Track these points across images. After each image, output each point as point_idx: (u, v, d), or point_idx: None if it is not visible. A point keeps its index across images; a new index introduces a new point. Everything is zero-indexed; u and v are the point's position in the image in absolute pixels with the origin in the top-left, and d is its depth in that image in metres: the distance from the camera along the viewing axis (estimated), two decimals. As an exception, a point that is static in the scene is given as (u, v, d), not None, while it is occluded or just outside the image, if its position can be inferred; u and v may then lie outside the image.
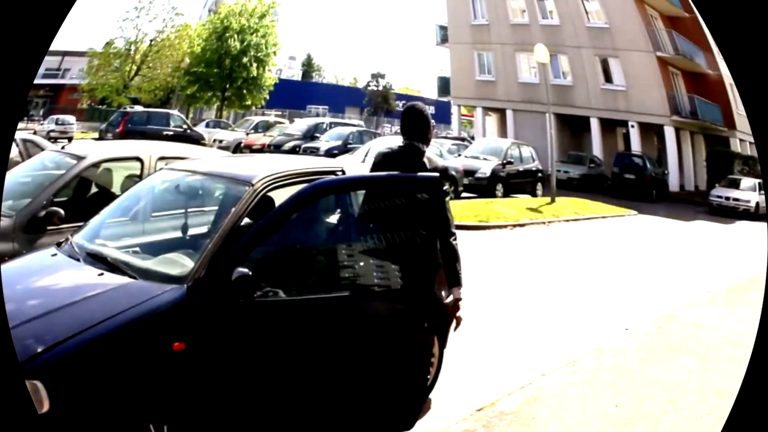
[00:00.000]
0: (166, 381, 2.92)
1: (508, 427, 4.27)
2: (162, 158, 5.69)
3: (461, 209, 14.09)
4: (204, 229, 3.65)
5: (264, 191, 3.60)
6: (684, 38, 30.94)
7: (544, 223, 15.23)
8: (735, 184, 25.65)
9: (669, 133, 30.26)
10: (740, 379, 5.19)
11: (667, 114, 29.74)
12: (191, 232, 3.95)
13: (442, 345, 4.89)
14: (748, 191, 24.85)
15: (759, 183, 25.49)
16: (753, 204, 24.15)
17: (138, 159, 5.64)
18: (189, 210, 4.27)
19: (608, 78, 31.32)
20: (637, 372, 5.44)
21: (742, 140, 33.90)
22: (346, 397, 3.95)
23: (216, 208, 3.85)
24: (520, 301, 7.89)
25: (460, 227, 12.91)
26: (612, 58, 30.95)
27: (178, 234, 4.01)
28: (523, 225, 14.38)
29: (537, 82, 30.00)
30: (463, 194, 17.99)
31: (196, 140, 21.00)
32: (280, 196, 3.96)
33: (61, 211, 4.67)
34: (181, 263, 3.34)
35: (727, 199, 24.46)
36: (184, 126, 23.34)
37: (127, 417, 2.78)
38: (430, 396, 4.73)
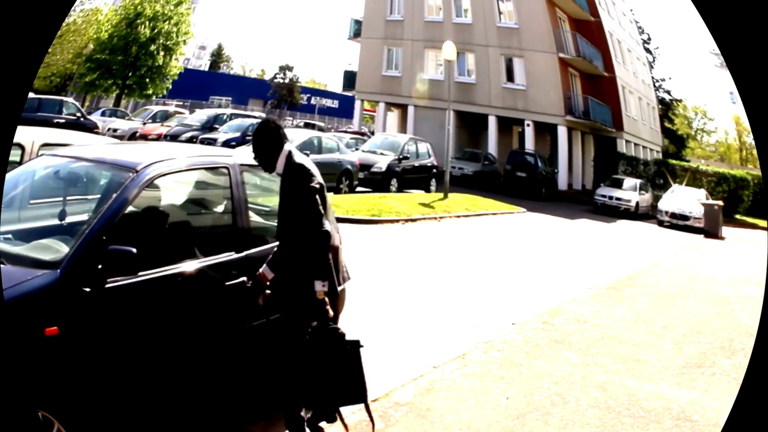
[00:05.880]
0: (39, 367, 2.86)
1: (405, 418, 4.39)
2: (46, 145, 5.55)
3: (354, 203, 14.25)
4: (84, 216, 3.58)
5: (149, 178, 3.59)
6: (586, 41, 32.23)
7: (435, 218, 15.50)
8: (618, 184, 26.64)
9: (561, 132, 31.14)
10: (619, 372, 5.59)
11: (561, 114, 30.70)
12: (71, 218, 3.86)
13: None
14: (629, 191, 25.86)
15: (640, 183, 26.90)
16: (633, 203, 25.21)
17: (19, 145, 5.44)
18: (72, 197, 4.17)
19: (510, 77, 32.01)
20: (525, 365, 5.65)
21: (628, 141, 35.74)
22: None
23: (99, 195, 3.78)
24: (410, 295, 8.01)
25: (352, 221, 13.05)
26: (517, 58, 31.68)
27: (56, 221, 3.91)
28: (414, 220, 14.58)
29: (442, 79, 30.43)
30: (358, 188, 18.11)
31: (90, 128, 20.03)
32: (166, 184, 3.96)
33: None
34: (55, 249, 3.28)
35: (610, 198, 25.33)
36: (78, 114, 22.16)
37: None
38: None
